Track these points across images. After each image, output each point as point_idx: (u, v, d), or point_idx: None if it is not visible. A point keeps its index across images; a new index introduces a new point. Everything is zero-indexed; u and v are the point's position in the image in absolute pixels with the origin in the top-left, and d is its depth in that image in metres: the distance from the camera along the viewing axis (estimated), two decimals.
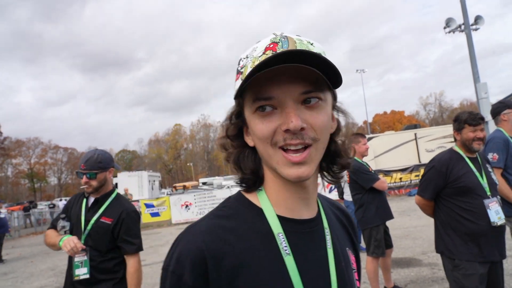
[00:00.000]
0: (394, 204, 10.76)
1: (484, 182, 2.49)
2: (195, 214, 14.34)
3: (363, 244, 4.95)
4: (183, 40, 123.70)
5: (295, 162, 0.64)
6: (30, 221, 22.68)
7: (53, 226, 2.42)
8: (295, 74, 0.62)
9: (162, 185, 38.54)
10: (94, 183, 2.28)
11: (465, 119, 2.53)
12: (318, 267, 0.71)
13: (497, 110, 3.41)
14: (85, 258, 2.20)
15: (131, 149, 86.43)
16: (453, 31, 12.91)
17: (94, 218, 2.29)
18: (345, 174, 3.74)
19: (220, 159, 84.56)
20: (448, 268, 2.57)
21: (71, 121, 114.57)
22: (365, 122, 52.84)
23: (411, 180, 14.92)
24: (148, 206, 14.85)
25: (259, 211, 0.72)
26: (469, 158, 2.55)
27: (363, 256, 4.43)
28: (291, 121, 0.62)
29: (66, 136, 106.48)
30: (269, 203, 0.72)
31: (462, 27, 12.59)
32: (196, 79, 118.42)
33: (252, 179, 0.73)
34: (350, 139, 0.78)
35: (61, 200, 38.86)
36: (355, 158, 4.16)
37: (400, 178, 15.03)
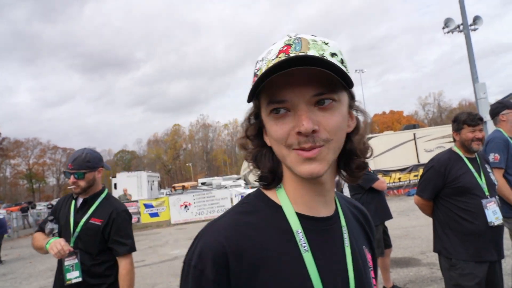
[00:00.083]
0: (393, 204, 10.76)
1: (482, 182, 2.49)
2: (194, 214, 14.10)
3: None
4: (182, 40, 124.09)
5: (306, 158, 0.64)
6: (28, 222, 22.64)
7: (41, 228, 2.32)
8: (307, 76, 0.62)
9: (161, 186, 38.44)
10: (82, 183, 2.18)
11: (464, 119, 2.54)
12: (336, 264, 0.72)
13: (496, 110, 3.41)
14: (76, 261, 2.09)
15: (130, 150, 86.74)
16: (452, 31, 12.93)
17: (83, 219, 2.19)
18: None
19: (219, 159, 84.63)
20: (444, 268, 2.57)
21: (70, 122, 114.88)
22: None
23: (410, 180, 14.95)
24: (147, 206, 14.73)
25: (278, 208, 0.73)
26: (468, 158, 2.56)
27: None
28: (302, 124, 0.62)
29: (65, 136, 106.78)
30: (288, 200, 0.73)
31: (461, 27, 12.62)
32: (195, 79, 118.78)
33: (270, 177, 0.75)
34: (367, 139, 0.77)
35: None
36: None
37: (399, 178, 15.07)
